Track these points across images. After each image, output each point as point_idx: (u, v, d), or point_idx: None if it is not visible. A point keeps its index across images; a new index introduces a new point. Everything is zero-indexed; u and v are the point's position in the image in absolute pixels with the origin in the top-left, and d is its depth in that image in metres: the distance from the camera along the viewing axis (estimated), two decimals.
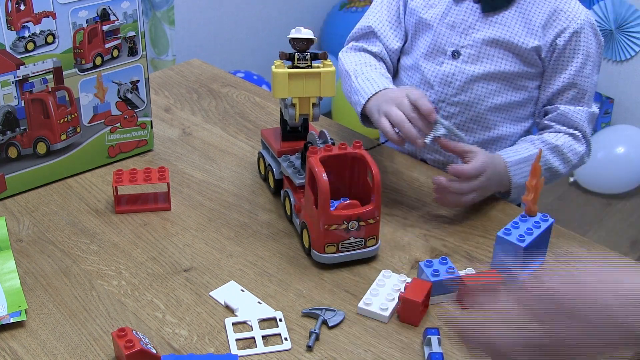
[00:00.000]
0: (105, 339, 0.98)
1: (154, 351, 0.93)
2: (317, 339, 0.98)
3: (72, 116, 1.29)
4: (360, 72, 1.35)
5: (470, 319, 0.76)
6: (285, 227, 1.21)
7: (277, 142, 1.26)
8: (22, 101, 1.22)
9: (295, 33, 1.15)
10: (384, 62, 1.45)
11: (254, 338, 0.99)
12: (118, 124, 1.36)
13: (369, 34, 1.46)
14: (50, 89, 1.24)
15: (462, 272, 1.07)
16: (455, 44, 1.37)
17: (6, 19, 1.16)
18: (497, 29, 1.35)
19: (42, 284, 1.08)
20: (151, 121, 1.40)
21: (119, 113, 1.35)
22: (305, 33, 1.15)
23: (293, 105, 1.17)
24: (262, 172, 1.33)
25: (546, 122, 1.37)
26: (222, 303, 1.05)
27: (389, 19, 1.45)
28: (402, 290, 1.03)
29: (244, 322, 1.01)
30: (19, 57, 1.19)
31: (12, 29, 1.17)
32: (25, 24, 1.18)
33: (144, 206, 1.24)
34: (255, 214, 1.24)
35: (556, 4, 1.33)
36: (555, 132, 1.35)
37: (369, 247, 1.11)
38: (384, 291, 1.05)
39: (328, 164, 1.08)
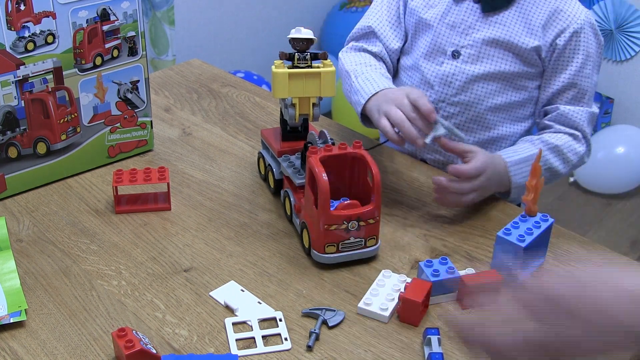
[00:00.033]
0: (105, 339, 0.98)
1: (154, 351, 0.93)
2: (317, 339, 0.98)
3: (72, 116, 1.29)
4: (360, 72, 1.35)
5: (470, 319, 0.75)
6: (285, 227, 1.21)
7: (277, 142, 1.26)
8: (22, 101, 1.22)
9: (295, 33, 1.15)
10: (384, 62, 1.45)
11: (254, 338, 0.99)
12: (118, 124, 1.36)
13: (369, 34, 1.46)
14: (50, 89, 1.24)
15: (462, 272, 1.07)
16: (455, 44, 1.37)
17: (6, 19, 1.16)
18: (497, 29, 1.35)
19: (42, 284, 1.08)
20: (151, 121, 1.40)
21: (119, 113, 1.35)
22: (305, 33, 1.15)
23: (293, 105, 1.17)
24: (262, 172, 1.33)
25: (546, 122, 1.37)
26: (222, 303, 1.05)
27: (389, 19, 1.45)
28: (402, 290, 1.03)
29: (244, 322, 1.01)
30: (19, 57, 1.19)
31: (12, 29, 1.17)
32: (25, 24, 1.18)
33: (144, 206, 1.24)
34: (255, 214, 1.24)
35: (556, 4, 1.33)
36: (555, 132, 1.35)
37: (369, 247, 1.11)
38: (384, 291, 1.05)
39: (328, 164, 1.08)
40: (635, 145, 2.82)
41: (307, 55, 1.15)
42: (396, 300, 1.03)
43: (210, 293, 1.06)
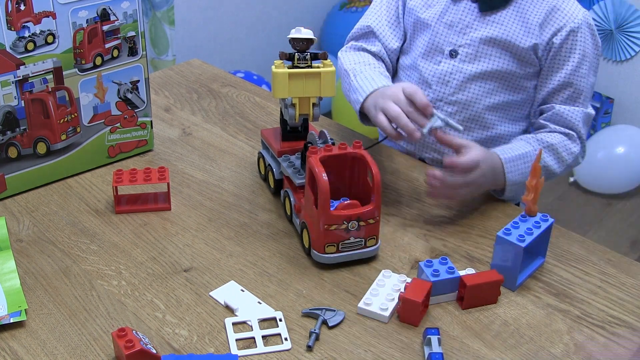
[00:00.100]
0: (105, 339, 0.98)
1: (154, 351, 0.93)
2: (317, 339, 0.98)
3: (72, 116, 1.29)
4: (359, 71, 1.35)
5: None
6: (285, 227, 1.21)
7: (277, 142, 1.26)
8: (22, 101, 1.22)
9: (295, 33, 1.15)
10: (383, 61, 1.45)
11: (254, 338, 0.99)
12: (118, 124, 1.36)
13: (368, 34, 1.46)
14: (50, 89, 1.24)
15: (462, 272, 1.07)
16: (453, 43, 1.38)
17: (6, 19, 1.16)
18: (494, 28, 1.35)
19: (42, 284, 1.08)
20: (151, 121, 1.40)
21: (119, 113, 1.35)
22: (305, 33, 1.15)
23: (293, 105, 1.17)
24: (262, 172, 1.33)
25: (541, 121, 1.37)
26: (222, 303, 1.05)
27: (388, 19, 1.45)
28: (402, 290, 1.03)
29: (244, 322, 1.01)
30: (19, 57, 1.19)
31: (12, 29, 1.17)
32: (25, 24, 1.18)
33: (144, 206, 1.24)
34: (255, 214, 1.24)
35: (553, 3, 1.33)
36: (550, 132, 1.35)
37: (369, 247, 1.11)
38: (384, 291, 1.05)
39: (328, 164, 1.08)
40: (635, 145, 2.82)
41: (307, 55, 1.15)
42: (396, 300, 1.03)
43: (210, 293, 1.06)
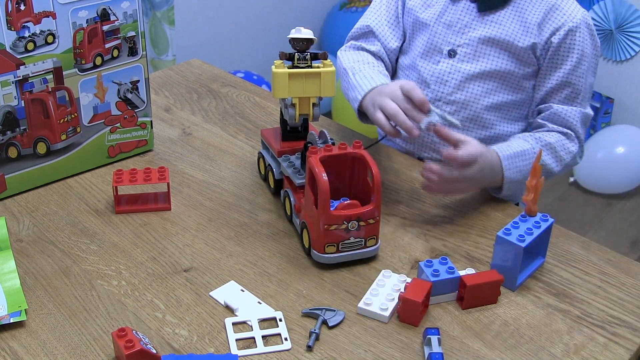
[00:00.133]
0: (105, 339, 0.98)
1: (154, 351, 0.93)
2: (317, 339, 0.98)
3: (72, 116, 1.29)
4: (358, 70, 1.35)
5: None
6: (285, 227, 1.21)
7: (277, 142, 1.26)
8: (22, 101, 1.22)
9: (295, 33, 1.15)
10: (382, 61, 1.45)
11: (254, 338, 0.99)
12: (118, 124, 1.36)
13: (368, 34, 1.46)
14: (50, 89, 1.24)
15: (462, 272, 1.07)
16: (452, 43, 1.38)
17: (6, 19, 1.16)
18: (493, 28, 1.35)
19: (42, 284, 1.08)
20: (151, 121, 1.40)
21: (119, 113, 1.35)
22: (305, 33, 1.15)
23: (293, 105, 1.17)
24: (262, 172, 1.33)
25: (539, 120, 1.37)
26: (222, 303, 1.05)
27: (387, 19, 1.45)
28: (402, 290, 1.03)
29: (244, 322, 1.01)
30: (19, 57, 1.19)
31: (12, 29, 1.17)
32: (25, 24, 1.18)
33: (144, 206, 1.24)
34: (255, 214, 1.24)
35: (552, 2, 1.33)
36: (548, 131, 1.35)
37: (369, 247, 1.11)
38: (384, 291, 1.05)
39: (328, 164, 1.08)
40: (635, 145, 2.82)
41: (307, 55, 1.15)
42: (396, 300, 1.03)
43: (210, 293, 1.06)
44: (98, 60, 1.28)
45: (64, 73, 1.25)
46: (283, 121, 1.25)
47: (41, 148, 1.27)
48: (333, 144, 1.16)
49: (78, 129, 1.31)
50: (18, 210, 1.24)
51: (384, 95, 1.21)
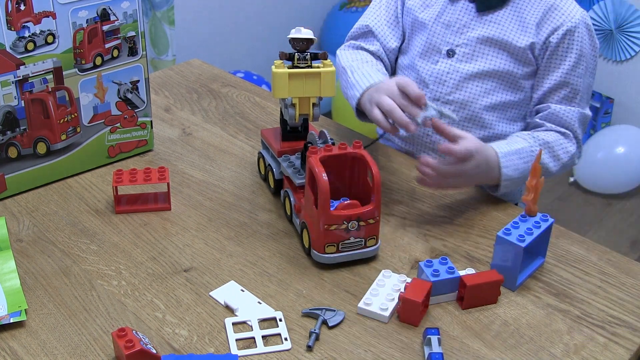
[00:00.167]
0: (105, 339, 0.98)
1: (154, 351, 0.93)
2: (317, 339, 0.98)
3: (72, 116, 1.29)
4: (357, 68, 1.36)
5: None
6: (285, 227, 1.21)
7: (277, 142, 1.26)
8: (22, 101, 1.22)
9: (295, 33, 1.15)
10: (381, 60, 1.46)
11: (254, 338, 0.99)
12: (118, 124, 1.36)
13: (367, 33, 1.46)
14: (50, 89, 1.24)
15: (462, 272, 1.07)
16: (450, 42, 1.38)
17: (6, 19, 1.16)
18: (491, 28, 1.35)
19: (42, 284, 1.08)
20: (151, 121, 1.40)
21: (119, 113, 1.35)
22: (305, 33, 1.15)
23: (293, 105, 1.17)
24: (262, 172, 1.33)
25: (537, 120, 1.37)
26: (222, 303, 1.05)
27: (387, 19, 1.45)
28: (402, 290, 1.03)
29: (244, 322, 1.01)
30: (19, 57, 1.19)
31: (12, 29, 1.17)
32: (25, 24, 1.18)
33: (144, 206, 1.24)
34: (255, 214, 1.24)
35: (551, 2, 1.33)
36: (546, 130, 1.35)
37: (369, 247, 1.11)
38: (384, 291, 1.05)
39: (328, 164, 1.08)
40: (635, 145, 2.82)
41: (307, 55, 1.15)
42: (396, 300, 1.03)
43: (210, 293, 1.06)
44: (98, 60, 1.28)
45: (64, 73, 1.25)
46: (283, 121, 1.25)
47: (41, 148, 1.27)
48: (333, 144, 1.16)
49: (78, 129, 1.31)
50: (18, 210, 1.24)
51: (380, 92, 1.21)
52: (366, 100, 1.27)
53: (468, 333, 1.00)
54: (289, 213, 1.21)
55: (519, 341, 0.99)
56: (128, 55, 1.32)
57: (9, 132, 1.23)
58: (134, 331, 0.93)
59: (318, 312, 1.02)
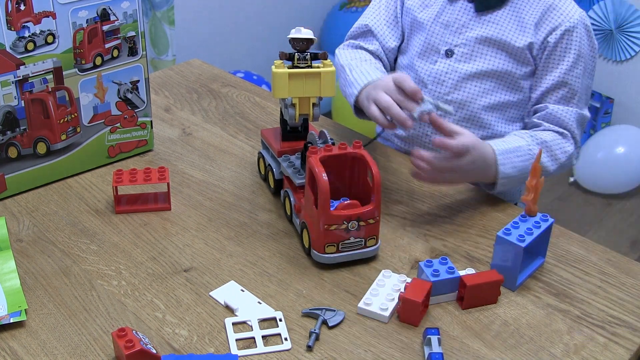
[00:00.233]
0: (105, 339, 0.98)
1: (154, 351, 0.93)
2: (317, 339, 0.98)
3: (72, 116, 1.29)
4: (355, 66, 1.36)
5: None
6: (285, 227, 1.21)
7: (277, 142, 1.26)
8: (22, 101, 1.22)
9: (295, 33, 1.15)
10: (380, 60, 1.46)
11: (254, 338, 0.99)
12: (118, 124, 1.36)
13: (366, 33, 1.47)
14: (50, 89, 1.24)
15: (462, 272, 1.07)
16: (449, 42, 1.38)
17: (6, 19, 1.16)
18: (490, 28, 1.35)
19: (42, 284, 1.08)
20: (151, 121, 1.40)
21: (119, 113, 1.35)
22: (305, 33, 1.15)
23: (293, 105, 1.17)
24: (262, 172, 1.33)
25: (535, 120, 1.37)
26: (222, 303, 1.05)
27: (386, 18, 1.46)
28: (402, 290, 1.03)
29: (244, 322, 1.01)
30: (19, 57, 1.19)
31: (12, 29, 1.17)
32: (25, 24, 1.18)
33: (144, 206, 1.24)
34: (255, 214, 1.24)
35: (550, 2, 1.33)
36: (544, 130, 1.34)
37: (369, 247, 1.11)
38: (384, 291, 1.05)
39: (328, 164, 1.08)
40: (635, 145, 2.82)
41: (307, 55, 1.15)
42: (396, 300, 1.03)
43: (210, 293, 1.06)
44: (98, 60, 1.28)
45: (64, 73, 1.25)
46: (283, 121, 1.25)
47: (41, 148, 1.27)
48: (333, 144, 1.16)
49: (78, 129, 1.31)
50: (18, 210, 1.24)
51: (378, 88, 1.21)
52: (364, 97, 1.27)
53: (468, 333, 1.00)
54: (289, 213, 1.21)
55: (519, 341, 0.99)
56: (128, 55, 1.32)
57: (9, 132, 1.23)
58: (134, 331, 0.93)
59: (318, 312, 1.02)
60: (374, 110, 1.20)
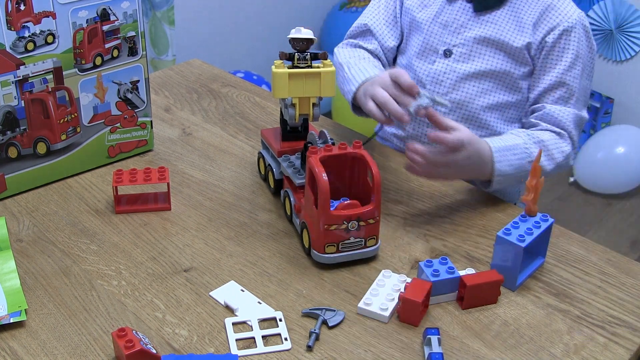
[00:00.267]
0: (105, 339, 0.98)
1: (154, 351, 0.93)
2: (317, 339, 0.98)
3: (72, 116, 1.29)
4: (354, 64, 1.36)
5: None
6: (285, 227, 1.21)
7: (277, 142, 1.26)
8: (22, 101, 1.22)
9: (295, 33, 1.15)
10: (379, 59, 1.46)
11: (254, 338, 0.99)
12: (118, 124, 1.36)
13: (365, 32, 1.47)
14: (50, 89, 1.24)
15: (462, 272, 1.07)
16: (447, 42, 1.38)
17: (6, 19, 1.16)
18: (488, 28, 1.35)
19: (42, 284, 1.08)
20: (151, 121, 1.40)
21: (119, 113, 1.35)
22: (305, 33, 1.15)
23: (293, 105, 1.17)
24: (262, 172, 1.33)
25: (532, 120, 1.36)
26: (222, 303, 1.05)
27: (385, 18, 1.46)
28: (402, 290, 1.03)
29: (244, 322, 1.01)
30: (19, 57, 1.19)
31: (12, 29, 1.17)
32: (25, 24, 1.18)
33: (144, 206, 1.24)
34: (255, 214, 1.24)
35: (548, 2, 1.33)
36: (541, 130, 1.34)
37: (369, 247, 1.11)
38: (384, 291, 1.05)
39: (328, 164, 1.08)
40: (635, 145, 2.82)
41: (307, 55, 1.15)
42: (396, 300, 1.03)
43: (210, 293, 1.06)
44: (98, 60, 1.28)
45: (64, 73, 1.25)
46: (283, 121, 1.25)
47: (41, 148, 1.27)
48: (333, 144, 1.16)
49: (78, 129, 1.31)
50: (18, 210, 1.24)
51: (375, 84, 1.21)
52: (361, 94, 1.27)
53: (468, 333, 1.00)
54: (289, 213, 1.21)
55: (519, 341, 0.99)
56: (128, 55, 1.32)
57: (9, 132, 1.23)
58: (134, 331, 0.93)
59: (318, 312, 1.02)
60: (371, 106, 1.20)
